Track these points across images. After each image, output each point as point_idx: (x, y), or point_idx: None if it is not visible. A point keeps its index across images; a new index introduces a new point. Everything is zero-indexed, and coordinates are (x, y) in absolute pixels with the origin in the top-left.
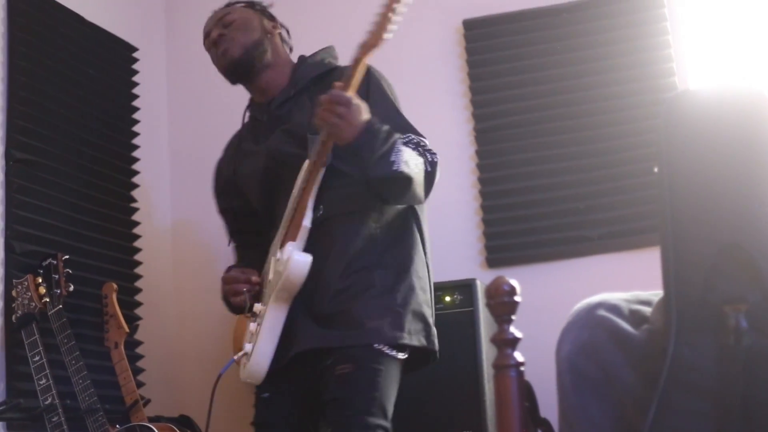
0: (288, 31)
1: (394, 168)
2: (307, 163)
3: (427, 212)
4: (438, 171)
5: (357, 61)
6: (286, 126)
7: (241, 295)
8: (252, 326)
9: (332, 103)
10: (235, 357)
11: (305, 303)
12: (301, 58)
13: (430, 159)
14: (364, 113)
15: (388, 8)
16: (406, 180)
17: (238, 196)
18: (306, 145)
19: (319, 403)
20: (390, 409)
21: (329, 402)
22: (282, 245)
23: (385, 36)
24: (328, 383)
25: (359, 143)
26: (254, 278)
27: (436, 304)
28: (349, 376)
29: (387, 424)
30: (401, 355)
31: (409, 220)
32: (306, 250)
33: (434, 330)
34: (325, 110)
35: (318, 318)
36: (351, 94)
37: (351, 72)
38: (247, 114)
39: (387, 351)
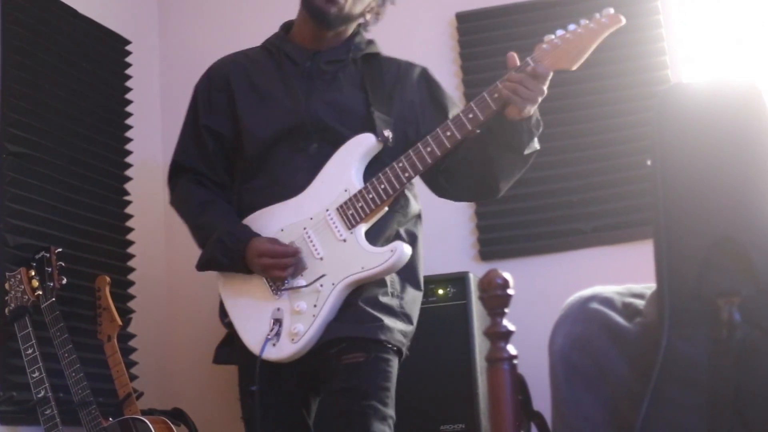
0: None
1: (536, 147)
2: (371, 141)
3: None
4: None
5: (543, 65)
6: (332, 96)
7: (290, 268)
8: (302, 305)
9: (543, 83)
10: (269, 336)
11: None
12: (357, 27)
13: None
14: None
15: (599, 31)
16: (527, 163)
17: (234, 125)
18: (359, 122)
19: (316, 392)
20: (394, 401)
21: (340, 391)
22: (351, 226)
23: (577, 65)
24: (336, 372)
25: (535, 121)
26: (295, 249)
27: (429, 297)
28: (361, 365)
29: (394, 415)
30: (400, 354)
31: (418, 229)
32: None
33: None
34: (531, 85)
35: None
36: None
37: (545, 66)
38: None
39: (394, 347)
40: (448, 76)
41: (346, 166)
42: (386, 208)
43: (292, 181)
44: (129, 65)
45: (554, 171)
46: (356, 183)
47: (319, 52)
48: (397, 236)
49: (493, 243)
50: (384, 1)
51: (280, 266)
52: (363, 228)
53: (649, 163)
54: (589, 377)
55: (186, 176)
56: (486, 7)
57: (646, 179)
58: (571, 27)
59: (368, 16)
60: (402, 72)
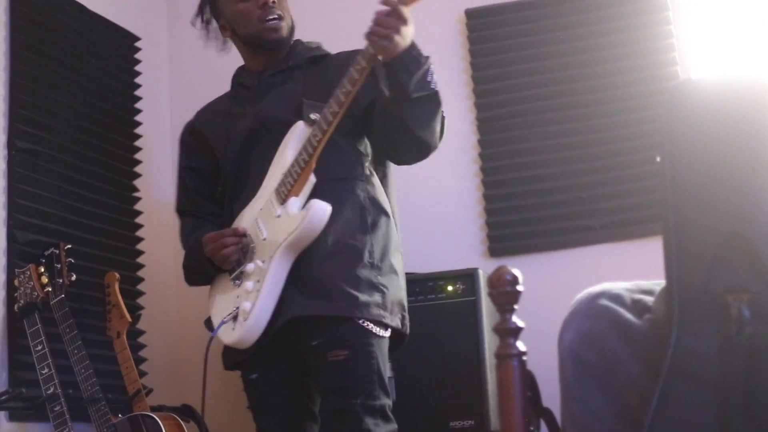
0: None
1: (432, 87)
2: (300, 126)
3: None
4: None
5: None
6: (278, 89)
7: (230, 246)
8: (249, 285)
9: (393, 17)
10: (225, 318)
11: (291, 268)
12: (296, 40)
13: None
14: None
15: None
16: (437, 104)
17: (209, 157)
18: (297, 111)
19: (309, 380)
20: (387, 385)
21: (330, 390)
22: (283, 201)
23: None
24: (322, 369)
25: (409, 58)
26: (240, 230)
27: (438, 293)
28: (345, 363)
29: (389, 401)
30: (385, 333)
31: (387, 198)
32: None
33: (407, 315)
34: (385, 22)
35: (304, 283)
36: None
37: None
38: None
39: (374, 330)
40: (457, 73)
41: (283, 154)
42: (312, 178)
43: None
44: (138, 62)
45: (563, 167)
46: (288, 164)
47: (263, 71)
48: (363, 203)
49: (503, 239)
50: None
51: (220, 246)
52: (294, 200)
53: (658, 159)
54: (599, 373)
55: (186, 216)
56: (495, 3)
57: (655, 176)
58: None
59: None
60: (343, 60)
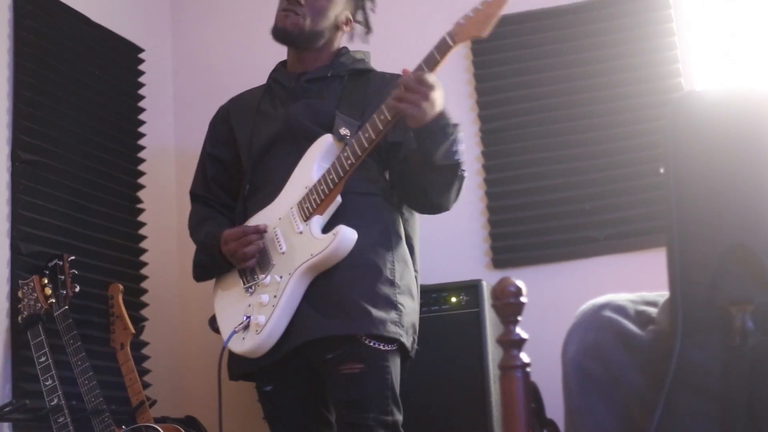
0: (368, 26)
1: (457, 158)
2: (328, 140)
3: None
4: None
5: (447, 47)
6: (312, 100)
7: (253, 245)
8: (264, 298)
9: (420, 85)
10: (237, 328)
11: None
12: (344, 48)
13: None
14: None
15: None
16: (459, 172)
17: (234, 150)
18: (327, 124)
19: (324, 393)
20: (399, 401)
21: (343, 403)
22: (306, 218)
23: (488, 32)
24: (336, 382)
25: (437, 127)
26: (262, 227)
27: (442, 305)
28: (359, 376)
29: (401, 417)
30: (395, 347)
31: (403, 222)
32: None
33: (416, 338)
34: (410, 91)
35: (321, 299)
36: (434, 77)
37: (439, 57)
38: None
39: (387, 348)
40: (461, 85)
41: (309, 166)
42: (339, 198)
43: (285, 185)
44: (142, 73)
45: (567, 179)
46: (314, 179)
47: (304, 73)
48: (386, 219)
49: (506, 251)
50: (356, 12)
51: (243, 244)
52: (318, 219)
53: (662, 171)
54: (602, 385)
55: (197, 201)
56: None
57: (659, 187)
58: None
59: (346, 28)
60: (385, 83)
